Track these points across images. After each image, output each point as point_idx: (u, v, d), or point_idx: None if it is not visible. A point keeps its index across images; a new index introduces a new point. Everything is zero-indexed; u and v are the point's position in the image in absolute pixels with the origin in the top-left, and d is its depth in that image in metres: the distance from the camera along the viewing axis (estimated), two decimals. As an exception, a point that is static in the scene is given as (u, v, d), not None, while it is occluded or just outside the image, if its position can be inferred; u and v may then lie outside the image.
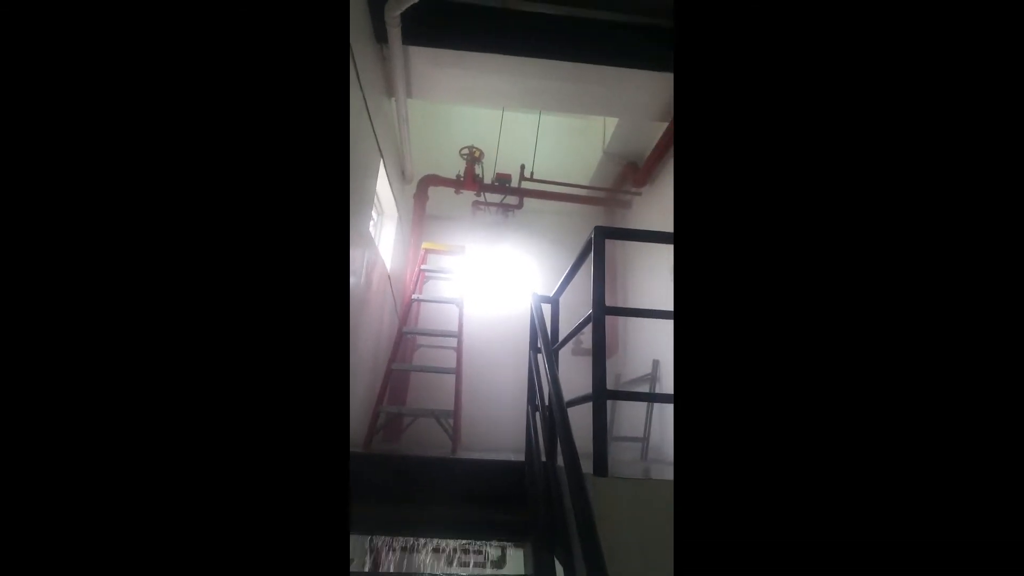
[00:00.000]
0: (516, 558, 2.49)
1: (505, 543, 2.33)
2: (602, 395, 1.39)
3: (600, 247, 1.54)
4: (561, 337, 2.08)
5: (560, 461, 1.55)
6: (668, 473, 1.67)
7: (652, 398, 1.55)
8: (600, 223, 5.56)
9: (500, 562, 3.12)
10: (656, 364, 3.60)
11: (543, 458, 1.89)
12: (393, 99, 3.49)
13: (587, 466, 1.28)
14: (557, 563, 1.47)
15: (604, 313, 1.48)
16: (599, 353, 1.44)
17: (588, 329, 1.60)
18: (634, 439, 3.51)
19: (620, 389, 4.04)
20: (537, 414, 2.17)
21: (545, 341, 1.84)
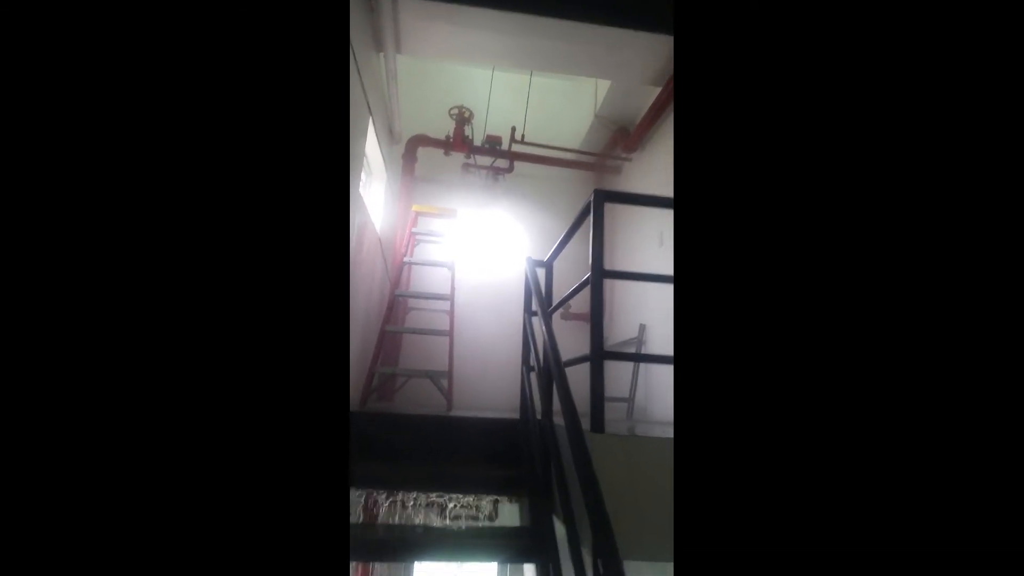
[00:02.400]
0: (509, 512, 2.60)
1: (498, 497, 2.43)
2: (600, 355, 1.44)
3: (599, 210, 1.56)
4: (555, 301, 2.12)
5: (557, 419, 1.62)
6: (653, 432, 1.76)
7: (648, 359, 1.61)
8: (592, 188, 5.51)
9: (492, 516, 3.26)
10: (642, 328, 3.69)
11: (539, 416, 1.97)
12: (381, 54, 3.36)
13: (583, 424, 1.35)
14: (554, 516, 1.56)
15: (603, 276, 1.52)
16: (597, 315, 1.49)
17: (579, 294, 1.63)
18: (620, 399, 3.63)
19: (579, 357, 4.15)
20: (532, 374, 2.24)
21: (541, 304, 1.87)
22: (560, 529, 1.47)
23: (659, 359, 1.68)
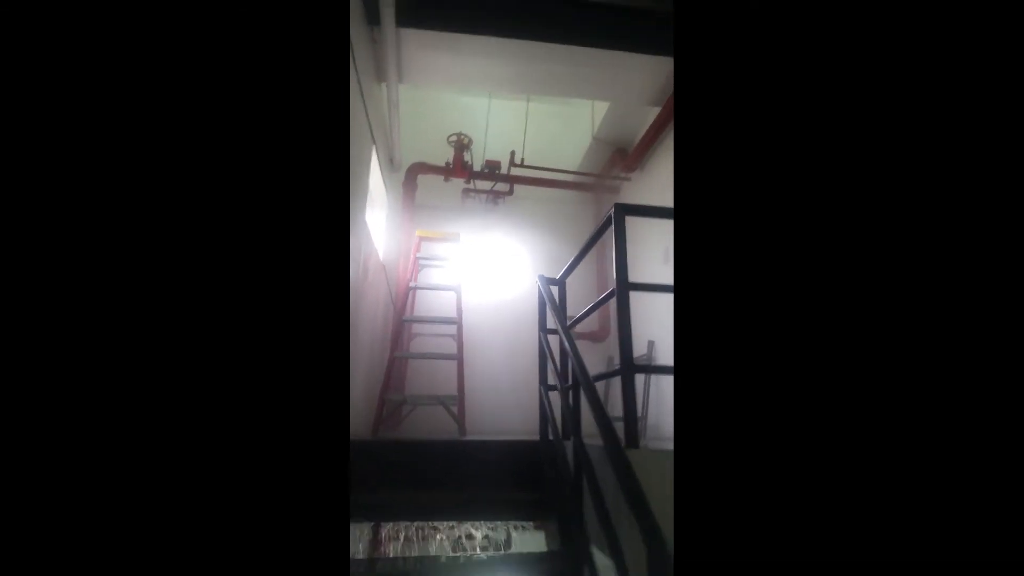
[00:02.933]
0: (523, 540, 2.52)
1: (513, 524, 2.36)
2: (631, 368, 1.41)
3: (620, 223, 1.56)
4: (572, 318, 2.10)
5: (585, 437, 1.58)
6: (667, 448, 1.71)
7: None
8: (591, 209, 5.57)
9: (506, 545, 3.15)
10: (651, 344, 3.67)
11: (561, 435, 1.92)
12: (384, 84, 3.42)
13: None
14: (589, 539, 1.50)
15: (628, 289, 1.50)
16: (625, 328, 1.47)
17: (582, 313, 1.61)
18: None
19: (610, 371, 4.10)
20: (550, 393, 2.20)
21: (561, 320, 1.85)
22: (599, 553, 1.41)
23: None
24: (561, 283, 2.34)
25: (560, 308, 2.27)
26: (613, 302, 1.59)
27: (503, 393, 4.17)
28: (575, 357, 1.58)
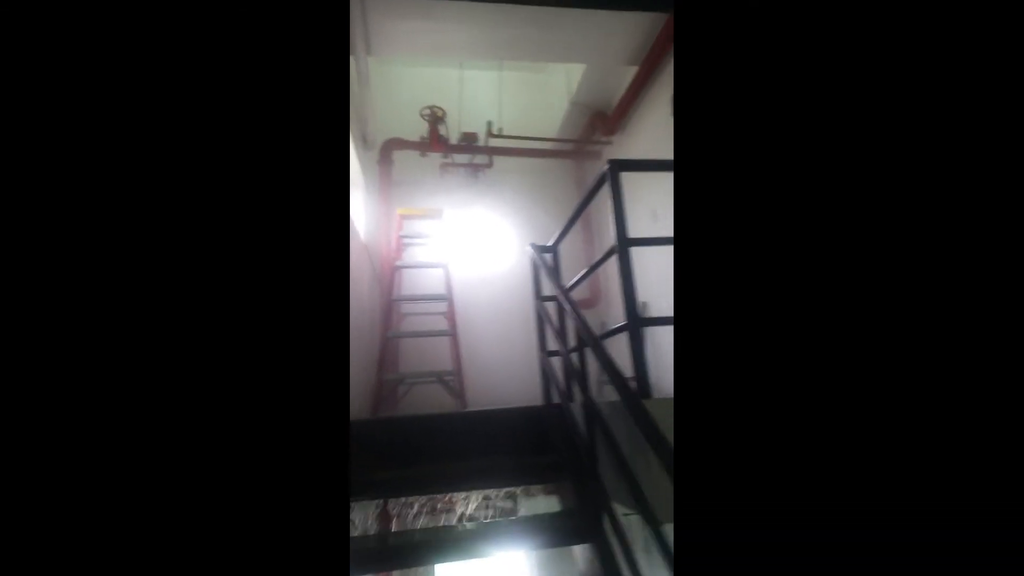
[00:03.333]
0: (532, 502, 2.57)
1: (519, 488, 2.40)
2: (637, 322, 1.41)
3: (616, 180, 1.53)
4: (570, 281, 2.09)
5: (594, 394, 1.59)
6: None
7: (682, 322, 1.59)
8: (573, 176, 5.52)
9: (513, 511, 3.21)
10: (644, 305, 3.70)
11: (573, 395, 1.93)
12: (352, 58, 3.27)
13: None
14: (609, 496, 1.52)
15: (628, 245, 1.49)
16: (628, 284, 1.46)
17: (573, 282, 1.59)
18: (629, 378, 3.63)
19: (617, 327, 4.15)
20: (551, 359, 2.20)
21: (559, 285, 1.84)
22: (618, 506, 1.43)
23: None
24: (554, 250, 2.33)
25: (554, 274, 2.26)
26: (603, 269, 1.57)
27: (499, 365, 4.18)
28: (580, 319, 1.57)
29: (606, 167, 1.54)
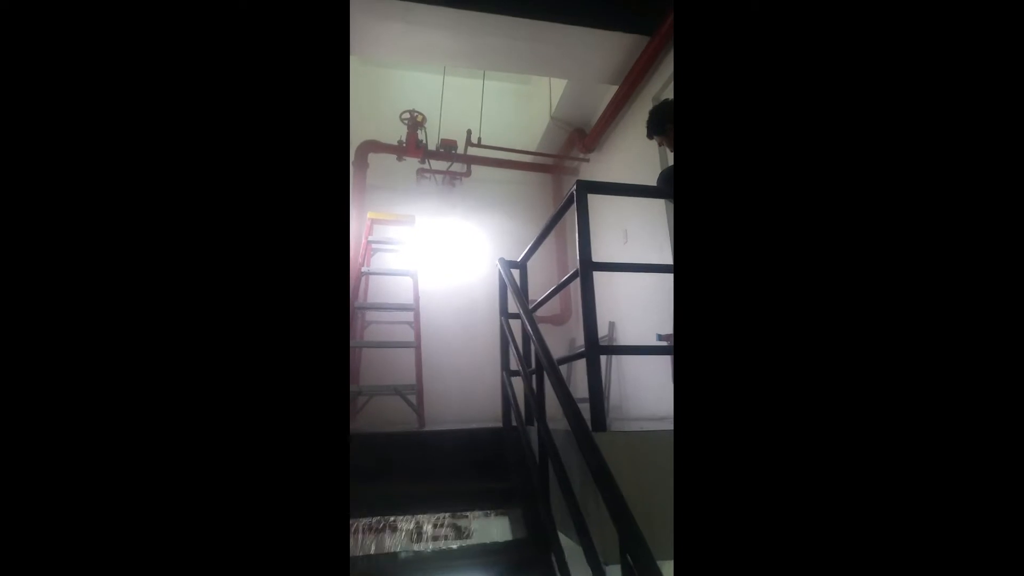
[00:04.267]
0: (483, 528, 2.49)
1: (471, 513, 2.32)
2: (596, 349, 1.37)
3: (583, 201, 1.50)
4: (533, 301, 2.04)
5: (550, 421, 1.53)
6: (631, 428, 1.71)
7: (644, 351, 1.56)
8: (550, 191, 5.50)
9: (466, 534, 3.12)
10: (612, 326, 3.68)
11: (525, 421, 1.86)
12: (328, 55, 3.19)
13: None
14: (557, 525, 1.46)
15: (591, 269, 1.45)
16: (589, 309, 1.42)
17: (543, 297, 1.56)
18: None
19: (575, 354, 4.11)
20: (512, 379, 2.14)
21: (523, 304, 1.79)
22: (565, 538, 1.37)
23: (650, 350, 1.63)
24: (523, 266, 2.28)
25: (522, 291, 2.20)
26: (574, 284, 1.53)
27: (463, 380, 4.09)
28: (538, 341, 1.52)
29: (574, 188, 1.50)
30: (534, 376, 1.67)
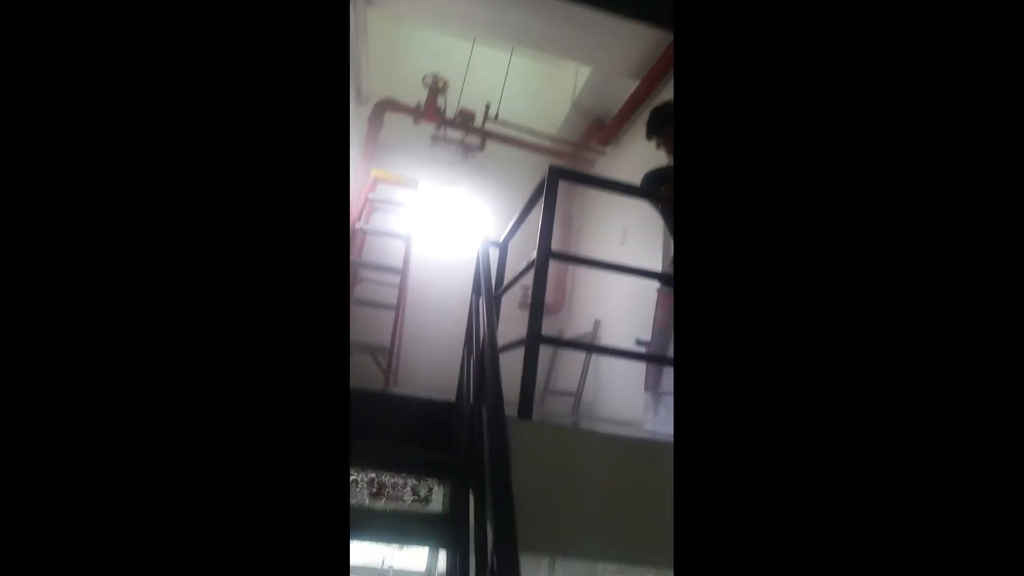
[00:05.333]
0: (439, 497, 2.55)
1: (429, 480, 2.36)
2: (535, 340, 1.35)
3: (553, 188, 1.46)
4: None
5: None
6: (597, 428, 1.70)
7: (588, 348, 1.54)
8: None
9: (427, 499, 3.20)
10: (597, 323, 3.65)
11: (471, 400, 1.87)
12: (350, 5, 3.14)
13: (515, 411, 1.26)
14: (472, 501, 1.47)
15: (548, 258, 1.43)
16: (538, 298, 1.40)
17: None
18: (569, 393, 3.60)
19: (514, 342, 4.09)
20: (472, 358, 2.14)
21: (487, 285, 1.77)
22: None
23: (603, 350, 1.61)
24: (504, 246, 2.26)
25: (499, 272, 2.19)
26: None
27: (440, 350, 4.12)
28: (488, 323, 1.50)
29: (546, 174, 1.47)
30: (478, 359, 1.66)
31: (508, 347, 1.51)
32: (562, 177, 1.46)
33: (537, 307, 1.39)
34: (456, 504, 1.55)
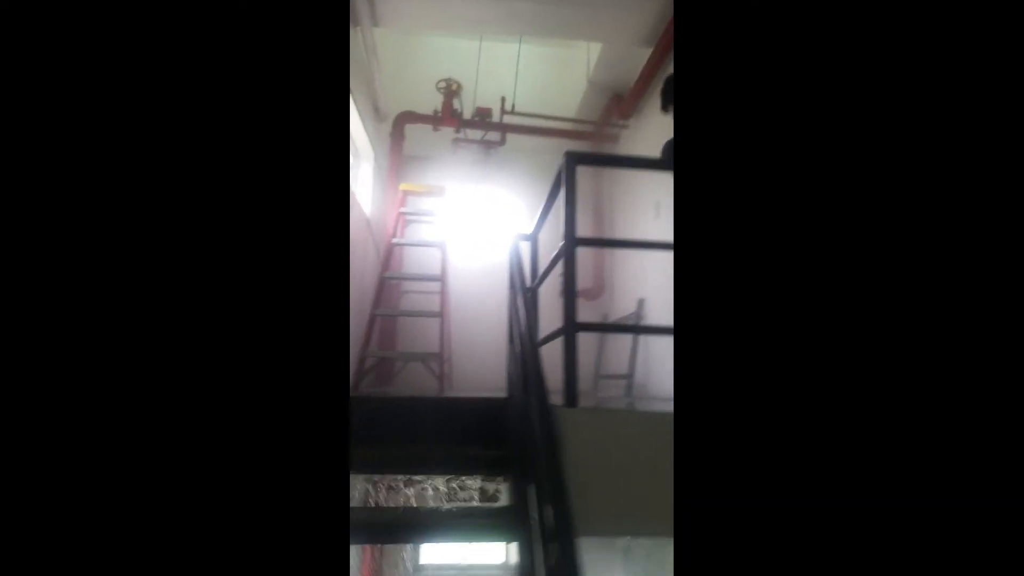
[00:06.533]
0: (505, 493, 2.58)
1: (496, 478, 2.40)
2: (572, 328, 1.35)
3: (571, 174, 1.45)
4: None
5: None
6: (652, 407, 1.68)
7: (626, 329, 1.52)
8: (587, 159, 5.26)
9: (494, 496, 3.24)
10: (641, 302, 3.58)
11: (520, 394, 1.89)
12: (358, 29, 3.22)
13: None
14: (531, 492, 1.50)
15: (575, 245, 1.42)
16: (570, 286, 1.40)
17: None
18: (619, 376, 3.55)
19: (554, 332, 4.04)
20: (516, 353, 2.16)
21: (519, 279, 1.79)
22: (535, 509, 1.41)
23: (641, 329, 1.58)
24: (533, 239, 2.26)
25: (532, 264, 2.20)
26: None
27: (490, 350, 4.17)
28: (524, 316, 1.52)
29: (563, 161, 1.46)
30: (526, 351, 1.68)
31: (548, 338, 1.52)
32: (579, 162, 1.45)
33: (570, 295, 1.39)
34: (518, 497, 1.58)
